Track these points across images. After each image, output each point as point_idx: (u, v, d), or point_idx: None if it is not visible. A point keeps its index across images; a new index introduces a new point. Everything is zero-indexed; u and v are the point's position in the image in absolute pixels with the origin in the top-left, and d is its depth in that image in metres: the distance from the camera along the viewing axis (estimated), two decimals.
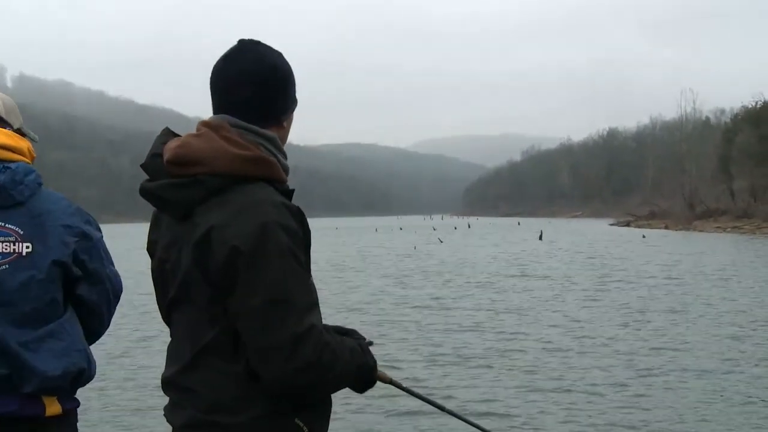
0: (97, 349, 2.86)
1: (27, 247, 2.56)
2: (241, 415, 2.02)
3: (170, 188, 2.09)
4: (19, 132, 2.85)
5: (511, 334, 13.94)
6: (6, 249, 2.55)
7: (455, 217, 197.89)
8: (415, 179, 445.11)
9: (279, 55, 2.23)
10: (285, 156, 2.23)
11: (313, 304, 2.05)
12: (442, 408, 2.62)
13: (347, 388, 2.19)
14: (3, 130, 2.73)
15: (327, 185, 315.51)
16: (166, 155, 2.11)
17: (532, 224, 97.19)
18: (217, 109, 2.20)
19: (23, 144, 2.76)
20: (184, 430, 2.11)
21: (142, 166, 2.18)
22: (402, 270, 29.59)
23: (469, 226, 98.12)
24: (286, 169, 2.21)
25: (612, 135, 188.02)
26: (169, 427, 2.17)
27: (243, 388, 2.03)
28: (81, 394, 2.75)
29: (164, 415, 2.21)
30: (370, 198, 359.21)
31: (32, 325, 2.53)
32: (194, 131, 2.15)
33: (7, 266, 2.54)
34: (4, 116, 2.80)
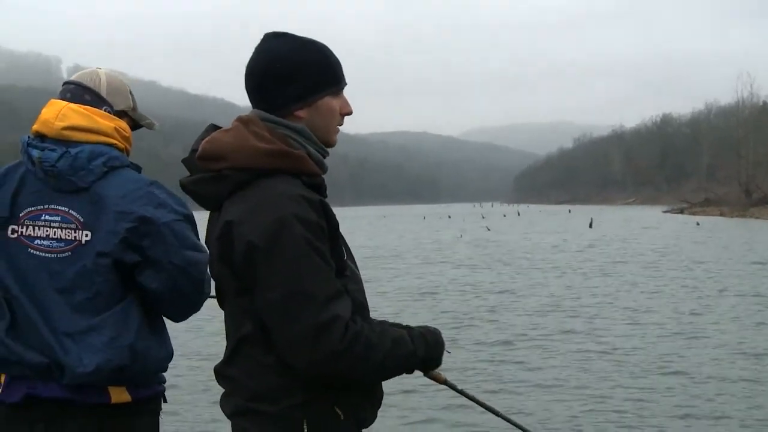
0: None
1: (86, 236, 2.54)
2: (282, 403, 2.06)
3: (199, 183, 2.16)
4: (123, 114, 2.79)
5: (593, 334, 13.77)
6: (68, 236, 2.55)
7: (505, 205, 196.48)
8: (465, 167, 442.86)
9: (291, 44, 2.19)
10: (321, 149, 2.22)
11: (337, 294, 2.03)
12: (497, 413, 2.57)
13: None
14: (83, 108, 2.65)
15: (375, 174, 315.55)
16: (198, 150, 2.16)
17: (583, 212, 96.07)
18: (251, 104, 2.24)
19: (107, 124, 2.65)
20: (232, 418, 2.17)
21: (183, 161, 2.23)
22: (449, 258, 29.50)
23: (518, 214, 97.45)
24: (318, 161, 2.19)
25: (666, 121, 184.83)
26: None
27: (280, 377, 2.06)
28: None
29: (220, 404, 2.26)
30: (419, 186, 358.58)
31: (83, 314, 2.52)
32: None
33: (69, 254, 2.54)
34: (104, 95, 2.74)
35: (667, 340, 11.94)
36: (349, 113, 2.28)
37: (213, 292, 2.35)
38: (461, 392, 2.47)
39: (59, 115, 2.60)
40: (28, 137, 2.63)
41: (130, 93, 2.86)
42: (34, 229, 2.57)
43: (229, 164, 2.09)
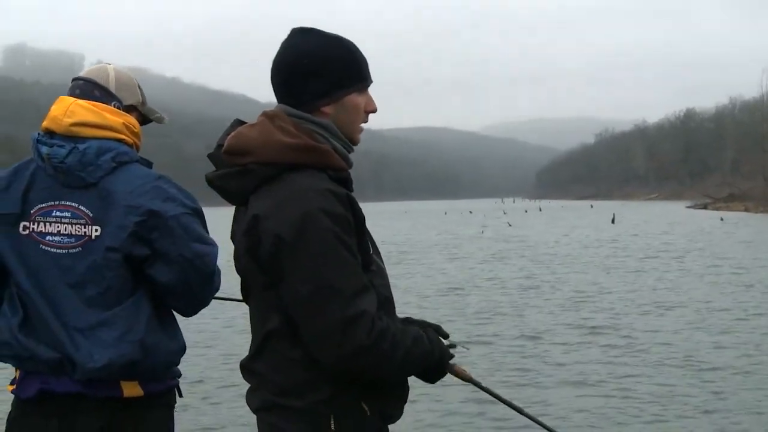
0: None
1: (96, 231, 2.54)
2: (308, 398, 2.07)
3: (226, 178, 2.15)
4: (132, 109, 2.80)
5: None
6: (78, 231, 2.55)
7: (526, 201, 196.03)
8: (486, 163, 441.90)
9: (318, 40, 2.19)
10: (346, 144, 2.22)
11: (363, 288, 2.03)
12: (520, 410, 2.53)
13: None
14: (91, 104, 2.65)
15: (397, 169, 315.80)
16: (224, 145, 2.16)
17: (605, 207, 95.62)
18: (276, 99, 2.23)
19: (116, 120, 2.65)
20: (259, 413, 2.17)
21: (208, 156, 2.22)
22: (470, 254, 29.45)
23: (540, 210, 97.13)
24: (344, 156, 2.19)
25: (689, 116, 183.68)
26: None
27: (307, 372, 2.07)
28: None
29: (246, 399, 2.26)
30: (440, 182, 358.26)
31: (94, 309, 2.53)
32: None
33: (80, 249, 2.55)
34: (112, 90, 2.74)
35: (694, 336, 11.85)
36: (374, 111, 2.27)
37: (224, 289, 2.33)
38: (485, 389, 2.45)
39: (67, 111, 2.60)
40: (38, 134, 2.64)
41: (139, 88, 2.86)
42: (45, 225, 2.57)
43: (255, 159, 2.09)
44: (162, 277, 2.59)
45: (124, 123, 2.68)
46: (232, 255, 2.24)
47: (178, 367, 2.78)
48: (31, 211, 2.59)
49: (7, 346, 2.58)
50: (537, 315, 14.26)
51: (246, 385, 2.23)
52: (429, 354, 2.15)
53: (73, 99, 2.66)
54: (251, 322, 2.22)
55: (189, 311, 2.75)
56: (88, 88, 2.72)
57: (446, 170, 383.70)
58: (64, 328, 2.52)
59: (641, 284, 18.77)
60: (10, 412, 2.67)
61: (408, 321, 2.23)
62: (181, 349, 2.72)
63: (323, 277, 1.98)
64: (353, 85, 2.21)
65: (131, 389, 2.58)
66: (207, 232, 2.69)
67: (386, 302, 2.13)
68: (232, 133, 2.16)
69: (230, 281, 2.68)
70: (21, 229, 2.59)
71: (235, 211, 2.26)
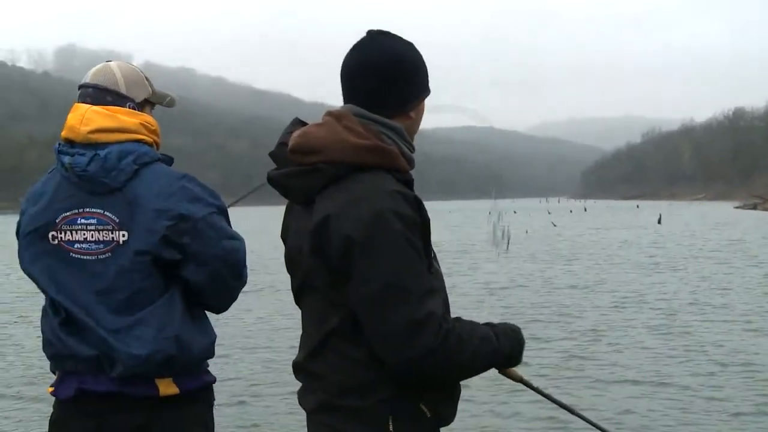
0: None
1: (123, 236, 2.57)
2: (368, 399, 2.07)
3: (292, 176, 2.15)
4: (145, 103, 2.80)
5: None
6: (106, 237, 2.58)
7: (572, 200, 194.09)
8: (531, 162, 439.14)
9: (407, 45, 2.22)
10: (411, 147, 2.24)
11: (431, 290, 2.04)
12: (573, 411, 2.54)
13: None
14: (106, 109, 2.65)
15: (441, 169, 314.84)
16: (290, 144, 2.16)
17: (651, 207, 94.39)
18: (345, 99, 2.22)
19: (132, 121, 2.66)
20: (315, 414, 2.17)
21: (270, 154, 2.24)
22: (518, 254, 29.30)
23: (585, 210, 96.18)
24: (410, 160, 2.20)
25: (738, 115, 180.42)
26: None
27: (368, 373, 2.07)
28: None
29: (298, 399, 2.27)
30: (484, 181, 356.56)
31: (126, 312, 2.55)
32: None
33: (109, 254, 2.57)
34: (124, 92, 2.73)
35: (746, 337, 11.67)
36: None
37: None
38: (537, 390, 2.44)
39: (83, 119, 2.61)
40: (59, 144, 2.67)
41: (146, 79, 2.84)
42: (71, 234, 2.61)
43: (323, 158, 2.09)
44: (195, 276, 2.62)
45: (140, 123, 2.68)
46: (284, 254, 2.27)
47: (211, 370, 2.80)
48: (57, 220, 2.63)
49: (50, 345, 2.64)
50: (585, 314, 14.15)
51: (288, 385, 2.23)
52: (497, 352, 2.16)
53: (87, 106, 2.65)
54: (306, 322, 2.23)
55: (221, 307, 2.78)
56: (100, 95, 2.70)
57: (491, 170, 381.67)
58: (102, 329, 2.55)
59: (689, 284, 18.49)
60: (51, 414, 2.72)
61: (489, 324, 2.23)
62: (213, 342, 2.74)
63: (393, 278, 1.98)
64: (426, 91, 2.27)
65: (166, 387, 2.60)
66: (231, 226, 2.74)
67: (445, 305, 2.14)
68: (298, 132, 2.16)
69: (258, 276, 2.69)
70: (50, 239, 2.63)
71: (289, 211, 2.27)
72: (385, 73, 2.16)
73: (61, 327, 2.60)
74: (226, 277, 2.67)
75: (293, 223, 2.24)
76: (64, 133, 2.65)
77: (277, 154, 2.22)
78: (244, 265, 2.75)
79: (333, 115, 2.16)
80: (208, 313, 2.78)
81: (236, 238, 2.71)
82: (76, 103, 2.70)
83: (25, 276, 2.72)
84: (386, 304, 1.98)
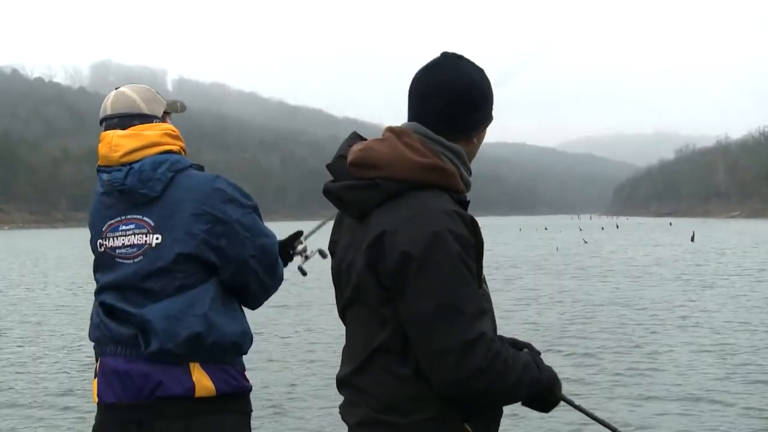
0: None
1: (157, 239, 2.70)
2: (412, 416, 2.06)
3: (349, 189, 2.16)
4: (164, 114, 2.93)
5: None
6: (140, 241, 2.72)
7: (603, 217, 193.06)
8: (563, 179, 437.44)
9: (479, 70, 2.24)
10: (469, 171, 2.25)
11: (483, 311, 2.04)
12: (615, 430, 2.51)
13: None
14: (130, 130, 2.78)
15: (474, 185, 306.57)
16: (350, 157, 2.17)
17: (685, 224, 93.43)
18: (411, 117, 2.23)
19: (155, 134, 2.80)
20: (357, 429, 2.17)
21: (327, 166, 2.25)
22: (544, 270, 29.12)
23: (617, 227, 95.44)
24: (467, 183, 2.22)
25: None
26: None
27: (414, 390, 2.06)
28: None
29: (340, 413, 2.27)
30: (516, 197, 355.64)
31: (165, 302, 2.67)
32: (379, 136, 2.21)
33: (142, 257, 2.70)
34: (147, 112, 2.86)
35: None
36: None
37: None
38: (578, 408, 2.43)
39: (112, 147, 2.76)
40: (99, 166, 2.84)
41: (157, 93, 2.96)
42: (114, 240, 2.78)
43: (384, 174, 2.10)
44: (235, 280, 2.76)
45: (163, 133, 2.82)
46: (330, 267, 2.28)
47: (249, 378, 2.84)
48: (103, 229, 2.81)
49: (96, 328, 2.78)
50: (619, 330, 14.01)
51: (325, 399, 2.23)
52: (537, 382, 2.14)
53: (113, 133, 2.80)
54: (350, 336, 2.24)
55: (258, 300, 2.91)
56: (126, 123, 2.83)
57: (523, 186, 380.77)
58: (139, 312, 2.65)
59: (723, 302, 18.21)
60: (95, 420, 2.82)
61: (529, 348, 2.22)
62: (245, 332, 2.79)
63: (447, 297, 1.98)
64: (491, 118, 2.30)
65: (200, 377, 2.64)
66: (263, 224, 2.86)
67: (494, 326, 2.15)
68: (359, 146, 2.17)
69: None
70: (98, 246, 2.83)
71: (339, 225, 2.29)
72: (458, 97, 2.18)
73: (106, 313, 2.73)
74: (260, 272, 2.80)
75: (344, 237, 2.24)
76: (100, 162, 2.82)
77: (335, 166, 2.23)
78: (277, 262, 2.88)
79: (394, 131, 2.17)
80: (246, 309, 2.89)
81: (269, 234, 2.85)
82: (102, 133, 2.85)
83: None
84: (439, 322, 1.98)
